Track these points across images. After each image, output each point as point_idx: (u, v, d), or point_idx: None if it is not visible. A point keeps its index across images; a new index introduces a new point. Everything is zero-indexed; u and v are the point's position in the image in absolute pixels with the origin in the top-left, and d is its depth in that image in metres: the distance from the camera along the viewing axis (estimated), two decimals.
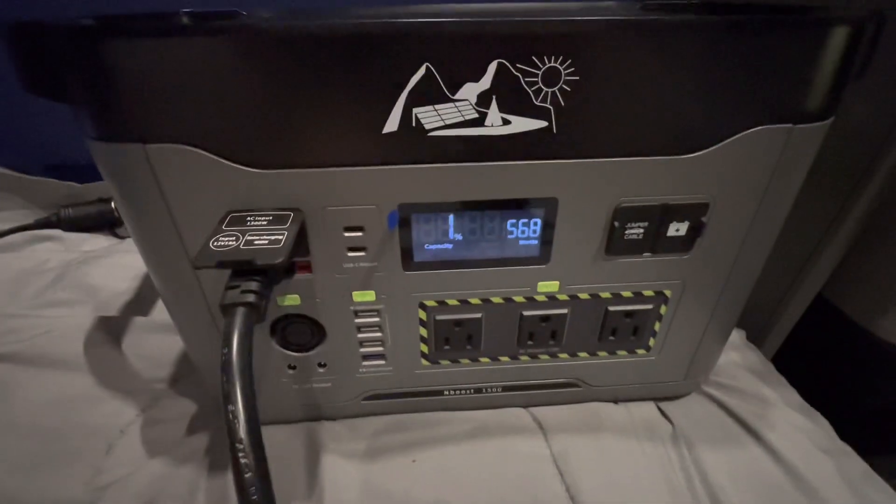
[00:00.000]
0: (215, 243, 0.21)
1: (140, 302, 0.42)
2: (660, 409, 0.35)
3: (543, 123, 0.22)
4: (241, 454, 0.16)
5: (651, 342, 0.31)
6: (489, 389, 0.33)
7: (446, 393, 0.33)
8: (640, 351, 0.32)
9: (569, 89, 0.21)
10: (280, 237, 0.22)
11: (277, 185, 0.23)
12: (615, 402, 0.35)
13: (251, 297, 0.20)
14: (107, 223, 0.55)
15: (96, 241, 0.52)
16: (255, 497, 0.16)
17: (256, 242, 0.21)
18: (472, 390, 0.33)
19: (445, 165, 0.23)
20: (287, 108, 0.21)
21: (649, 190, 0.24)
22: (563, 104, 0.21)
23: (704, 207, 0.25)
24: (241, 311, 0.19)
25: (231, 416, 0.17)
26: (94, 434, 0.31)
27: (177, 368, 0.36)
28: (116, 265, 0.46)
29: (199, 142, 0.21)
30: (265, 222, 0.23)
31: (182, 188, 0.22)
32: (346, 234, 0.25)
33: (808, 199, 0.34)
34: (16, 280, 0.43)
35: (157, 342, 0.37)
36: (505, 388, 0.33)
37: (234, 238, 0.21)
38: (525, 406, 0.34)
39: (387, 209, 0.24)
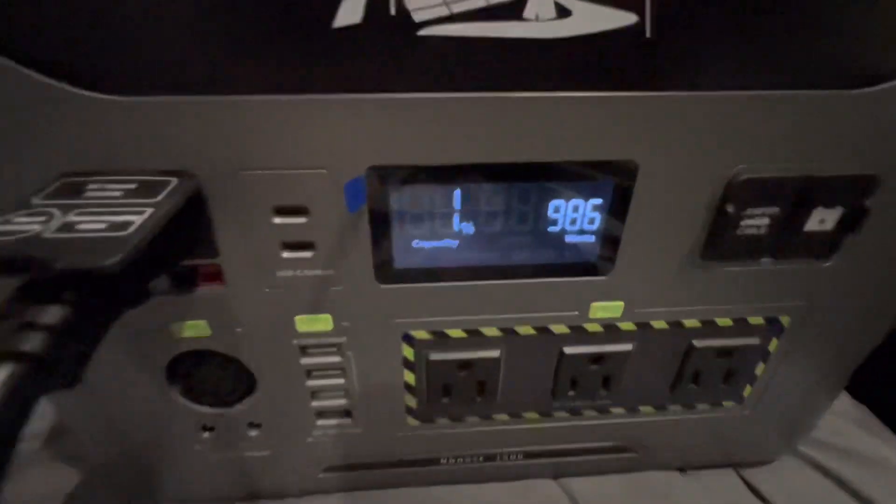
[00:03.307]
0: (2, 226, 0.11)
1: None
2: (743, 479, 0.25)
3: (631, 19, 0.12)
4: None
5: (747, 391, 0.22)
6: (506, 457, 0.24)
7: (443, 462, 0.23)
8: (728, 403, 0.22)
9: None
10: (133, 219, 0.11)
11: (148, 125, 0.13)
12: (681, 470, 0.25)
13: (34, 343, 0.09)
14: None
15: None
16: None
17: (82, 227, 0.11)
18: (481, 458, 0.24)
19: (448, 96, 0.13)
20: None
21: (787, 151, 0.15)
22: None
23: (871, 183, 0.16)
24: (6, 367, 0.09)
25: None
26: None
27: None
28: None
29: (9, 47, 0.11)
30: (118, 193, 0.13)
31: None
32: (278, 221, 0.15)
33: None
34: None
35: None
36: (528, 455, 0.24)
37: (44, 218, 0.11)
38: (555, 478, 0.26)
39: (346, 176, 0.14)
